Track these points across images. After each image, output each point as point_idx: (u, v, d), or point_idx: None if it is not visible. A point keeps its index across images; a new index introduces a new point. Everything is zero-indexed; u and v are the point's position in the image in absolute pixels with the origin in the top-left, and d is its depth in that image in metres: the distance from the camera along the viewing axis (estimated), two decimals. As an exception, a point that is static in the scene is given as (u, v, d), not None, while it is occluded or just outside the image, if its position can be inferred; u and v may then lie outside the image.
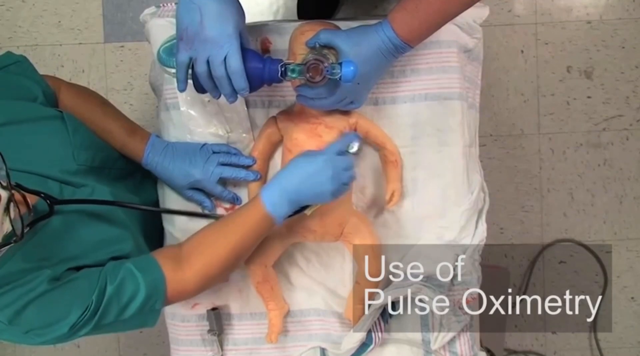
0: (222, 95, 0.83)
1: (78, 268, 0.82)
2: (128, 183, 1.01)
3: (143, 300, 0.82)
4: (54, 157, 0.86)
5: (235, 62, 0.78)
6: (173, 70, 0.95)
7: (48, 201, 0.78)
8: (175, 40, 0.94)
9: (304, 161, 0.84)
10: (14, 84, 0.89)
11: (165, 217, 1.03)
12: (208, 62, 0.79)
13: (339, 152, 0.85)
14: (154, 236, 1.05)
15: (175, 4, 1.05)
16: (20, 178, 0.76)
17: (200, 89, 0.84)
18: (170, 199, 1.01)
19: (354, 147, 0.87)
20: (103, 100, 1.04)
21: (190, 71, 0.82)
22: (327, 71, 0.80)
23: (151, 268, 0.84)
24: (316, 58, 0.81)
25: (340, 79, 0.80)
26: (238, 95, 0.83)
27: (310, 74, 0.81)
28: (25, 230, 0.71)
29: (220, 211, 1.01)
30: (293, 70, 0.81)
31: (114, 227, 0.88)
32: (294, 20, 1.04)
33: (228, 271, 0.89)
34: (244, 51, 0.80)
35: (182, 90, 0.84)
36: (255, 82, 0.82)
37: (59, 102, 0.96)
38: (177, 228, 1.01)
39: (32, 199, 0.77)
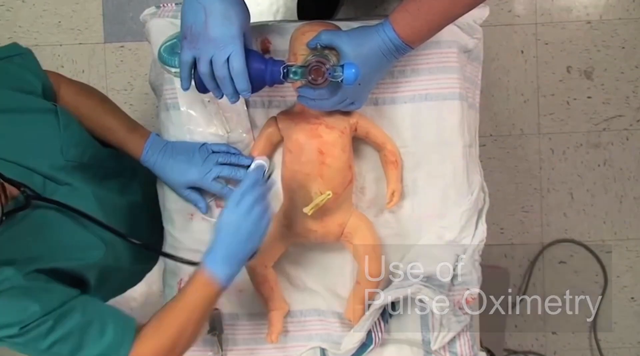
0: (224, 96, 0.84)
1: (46, 271, 0.81)
2: (115, 183, 1.01)
3: (102, 351, 0.79)
4: (42, 151, 0.86)
5: (238, 63, 0.78)
6: (174, 70, 0.95)
7: (26, 193, 0.77)
8: (175, 40, 0.95)
9: (227, 222, 0.82)
10: (14, 75, 0.89)
11: (165, 216, 1.03)
12: (211, 62, 0.79)
13: (251, 186, 0.83)
14: (144, 232, 1.05)
15: (176, 4, 1.05)
16: (5, 168, 0.75)
17: (202, 88, 0.84)
18: (169, 199, 1.01)
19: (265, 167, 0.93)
20: (103, 97, 1.03)
21: (192, 70, 0.82)
22: (329, 73, 0.80)
23: (127, 325, 0.82)
24: (318, 60, 0.81)
25: (342, 82, 0.80)
26: (240, 96, 0.83)
27: (312, 76, 0.81)
28: (3, 218, 0.71)
29: (219, 212, 1.00)
30: (295, 72, 0.81)
31: (88, 232, 0.88)
32: (294, 21, 1.04)
33: (183, 346, 0.84)
34: (247, 52, 0.80)
35: (185, 88, 0.84)
36: (257, 83, 0.82)
37: (59, 98, 0.96)
38: (177, 227, 1.01)
39: (13, 191, 0.77)
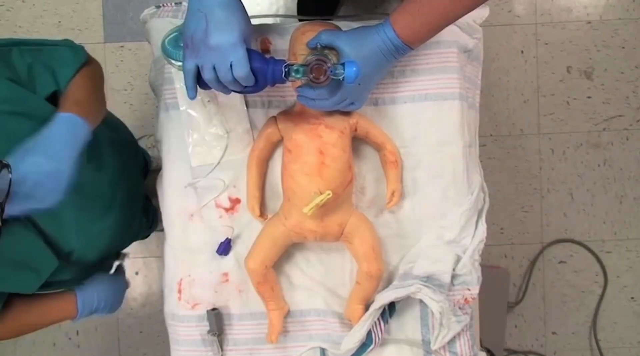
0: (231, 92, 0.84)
1: None
2: (97, 207, 1.01)
3: None
4: None
5: (242, 70, 0.78)
6: (177, 63, 0.95)
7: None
8: (177, 33, 0.95)
9: None
10: (47, 75, 0.88)
11: (165, 217, 1.03)
12: (215, 68, 0.79)
13: None
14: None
15: (176, 3, 1.05)
16: None
17: (205, 87, 0.84)
18: (169, 200, 1.02)
19: None
20: (93, 74, 0.98)
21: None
22: (331, 71, 0.81)
23: None
24: (319, 58, 0.81)
25: (343, 80, 0.80)
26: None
27: (314, 74, 0.81)
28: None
29: (219, 212, 1.01)
30: (297, 71, 0.81)
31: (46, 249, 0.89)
32: (294, 16, 1.04)
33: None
34: (248, 52, 0.80)
35: (192, 97, 0.84)
36: (259, 83, 0.82)
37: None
38: (176, 228, 1.01)
39: None
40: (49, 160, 0.72)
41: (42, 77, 0.87)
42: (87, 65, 0.93)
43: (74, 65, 0.90)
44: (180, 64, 0.93)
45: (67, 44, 0.92)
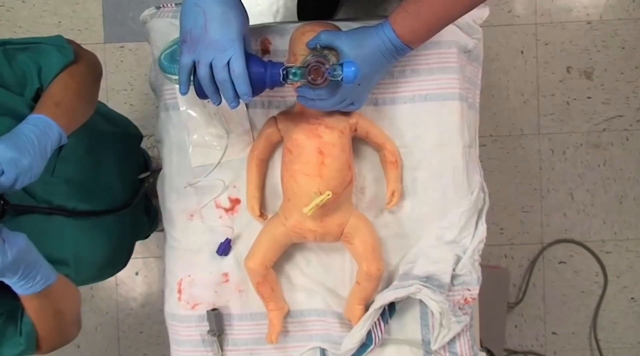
0: (222, 101, 0.83)
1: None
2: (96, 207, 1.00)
3: None
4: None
5: (239, 66, 0.78)
6: (175, 77, 0.95)
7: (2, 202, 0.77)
8: (175, 46, 0.94)
9: None
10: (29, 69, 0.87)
11: (165, 216, 1.03)
12: (211, 65, 0.79)
13: None
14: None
15: (176, 4, 1.05)
16: None
17: (201, 94, 0.83)
18: (170, 199, 1.02)
19: None
20: (74, 73, 0.94)
21: (192, 76, 0.82)
22: (329, 73, 0.80)
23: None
24: (317, 60, 0.81)
25: (341, 80, 0.80)
26: (240, 100, 0.82)
27: (312, 76, 0.81)
28: None
29: (219, 212, 1.01)
30: (295, 74, 0.81)
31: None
32: (294, 22, 1.04)
33: None
34: (246, 56, 0.80)
35: (184, 93, 0.84)
36: (257, 87, 0.82)
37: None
38: (177, 228, 1.01)
39: None
40: (11, 149, 0.72)
41: (30, 74, 0.87)
42: (75, 63, 0.92)
43: (57, 65, 0.89)
44: (177, 78, 0.94)
45: (55, 43, 0.91)
